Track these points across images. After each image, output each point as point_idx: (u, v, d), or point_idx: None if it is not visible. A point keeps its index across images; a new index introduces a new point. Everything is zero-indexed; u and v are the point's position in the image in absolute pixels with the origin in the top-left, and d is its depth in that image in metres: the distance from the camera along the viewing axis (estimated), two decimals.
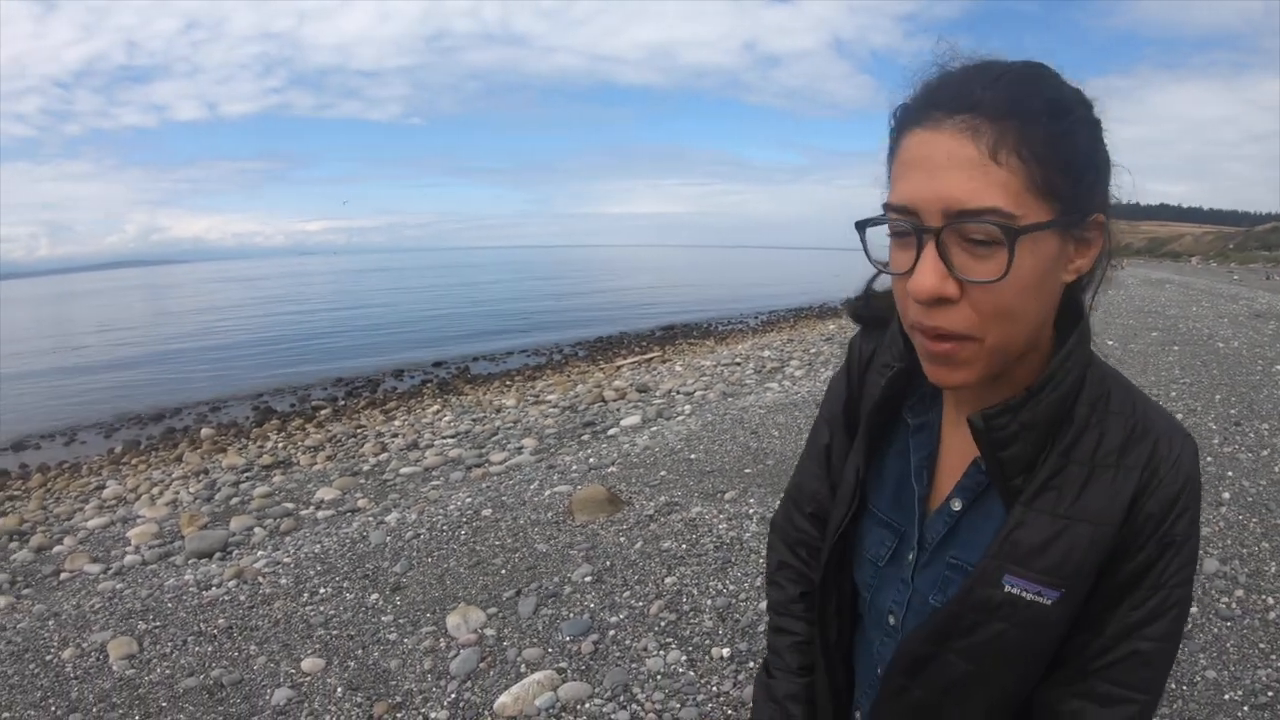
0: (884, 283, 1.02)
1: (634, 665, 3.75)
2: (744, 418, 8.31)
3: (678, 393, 11.73)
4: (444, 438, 10.54)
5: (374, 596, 4.71)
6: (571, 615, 4.25)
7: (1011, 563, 0.95)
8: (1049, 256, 0.87)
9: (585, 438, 9.33)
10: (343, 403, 16.33)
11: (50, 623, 4.91)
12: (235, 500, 8.56)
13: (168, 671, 4.09)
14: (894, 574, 1.13)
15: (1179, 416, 6.34)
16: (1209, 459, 6.10)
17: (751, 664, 3.70)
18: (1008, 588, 0.96)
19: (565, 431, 9.89)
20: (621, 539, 5.15)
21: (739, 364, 14.10)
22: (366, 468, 9.29)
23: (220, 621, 4.58)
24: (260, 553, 6.04)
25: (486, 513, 5.92)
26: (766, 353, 15.30)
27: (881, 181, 0.96)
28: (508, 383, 16.51)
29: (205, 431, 13.91)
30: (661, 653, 3.84)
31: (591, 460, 7.29)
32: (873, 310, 1.21)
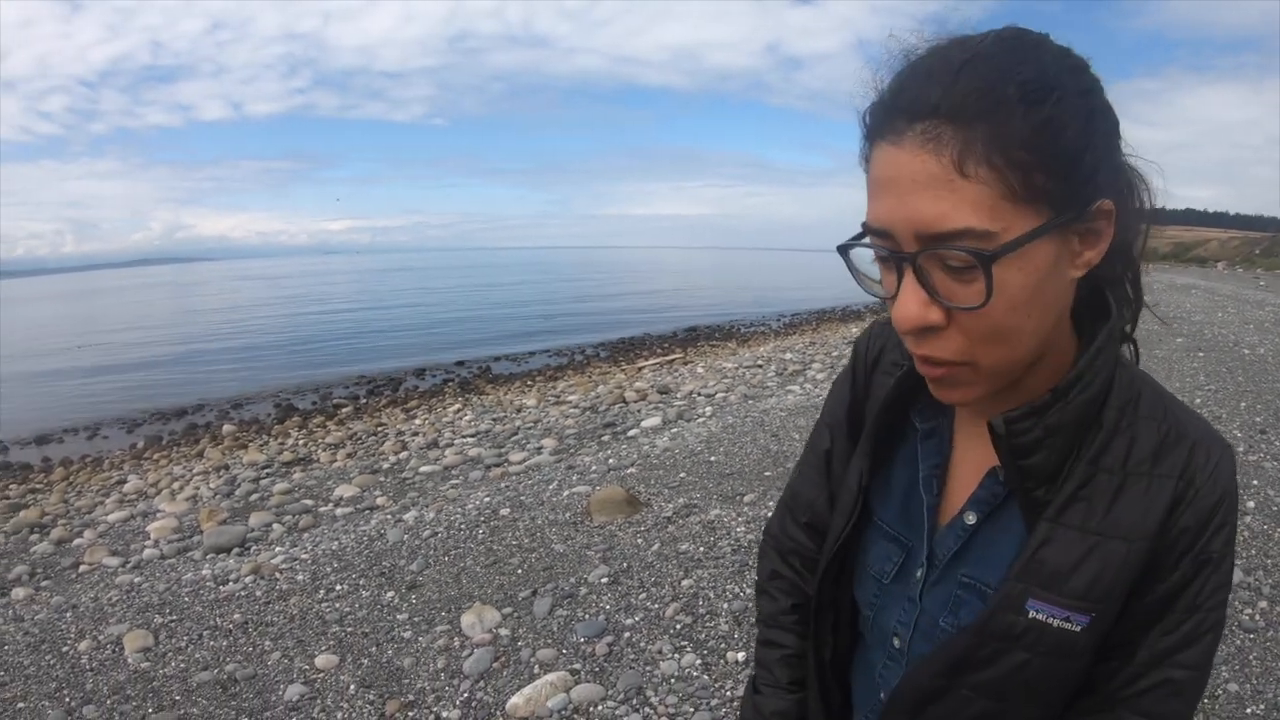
0: None
1: (648, 668, 3.72)
2: (765, 420, 8.27)
3: (699, 394, 11.69)
4: (464, 437, 10.53)
5: (390, 594, 4.70)
6: (587, 616, 4.23)
7: (1037, 585, 0.87)
8: (1045, 265, 0.78)
9: (605, 438, 9.30)
10: (364, 401, 16.37)
11: (68, 614, 4.93)
12: (255, 496, 8.57)
13: (182, 665, 4.10)
14: (900, 592, 1.04)
15: None
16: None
17: None
18: (1032, 613, 0.87)
19: (585, 432, 9.87)
20: (639, 540, 5.12)
21: (761, 366, 14.05)
22: (386, 466, 9.29)
23: (236, 616, 4.58)
24: (278, 549, 6.05)
25: (504, 512, 5.91)
26: (788, 355, 15.25)
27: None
28: (529, 383, 16.51)
29: (227, 428, 13.97)
30: (676, 656, 3.80)
31: (611, 461, 7.26)
32: None
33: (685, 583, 4.49)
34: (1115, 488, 0.86)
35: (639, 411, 10.82)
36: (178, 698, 3.79)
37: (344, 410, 14.95)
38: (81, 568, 6.65)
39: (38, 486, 10.98)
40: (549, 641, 4.02)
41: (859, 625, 1.15)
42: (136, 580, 5.66)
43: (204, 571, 5.56)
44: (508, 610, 4.35)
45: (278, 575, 5.16)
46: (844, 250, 0.85)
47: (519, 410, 12.31)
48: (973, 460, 0.99)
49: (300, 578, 5.07)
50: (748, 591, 4.33)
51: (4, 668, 4.24)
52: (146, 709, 3.71)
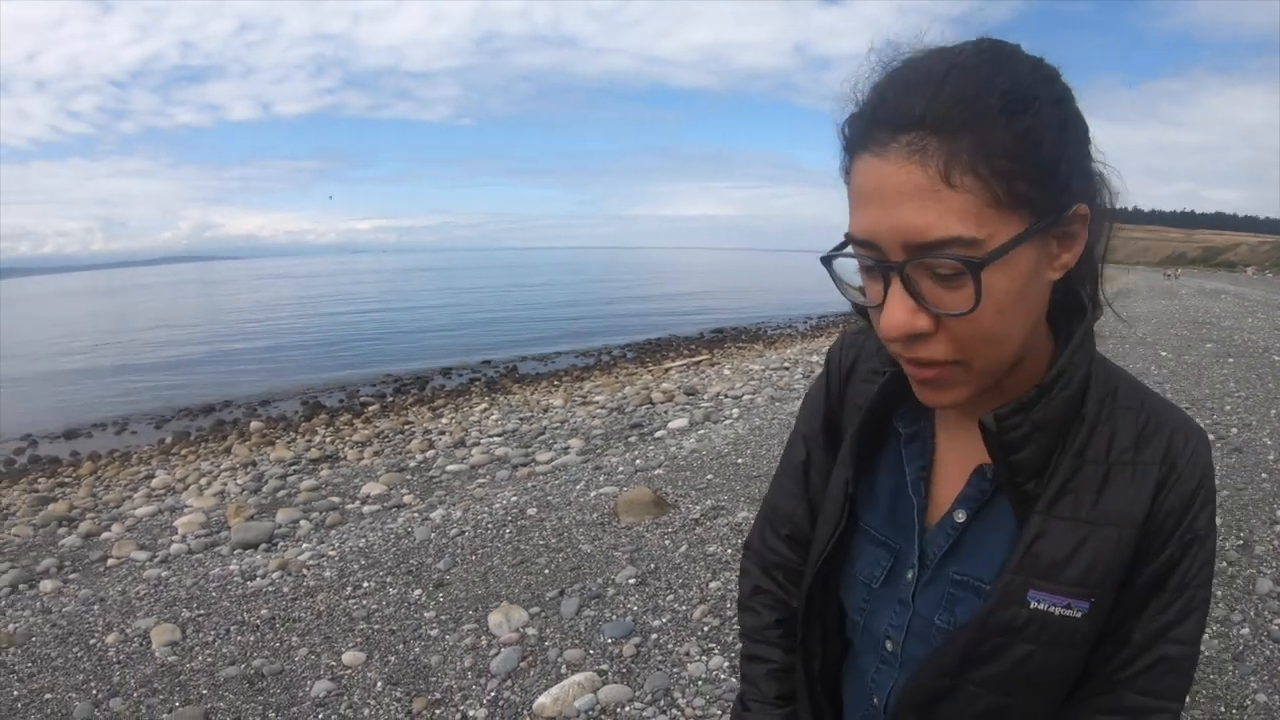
0: None
1: (675, 670, 3.69)
2: (792, 422, 8.22)
3: (725, 396, 11.66)
4: (491, 436, 10.55)
5: (417, 592, 4.69)
6: (614, 617, 4.20)
7: (1036, 577, 0.89)
8: (1027, 268, 0.81)
9: (632, 439, 9.29)
10: (391, 399, 16.44)
11: (95, 607, 4.95)
12: (282, 493, 8.61)
13: (209, 659, 4.09)
14: (890, 595, 1.05)
15: (1233, 431, 6.13)
16: (1264, 475, 5.92)
17: None
18: (1034, 604, 0.90)
19: (612, 433, 9.86)
20: (666, 542, 5.09)
21: (788, 368, 14.01)
22: (413, 464, 9.31)
23: (263, 612, 4.58)
24: (305, 545, 6.06)
25: (531, 512, 5.89)
26: (815, 357, 15.20)
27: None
28: (555, 383, 16.54)
29: (254, 425, 14.05)
30: (704, 658, 3.77)
31: (638, 462, 7.24)
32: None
33: (713, 585, 4.45)
34: (1102, 477, 0.90)
35: (666, 413, 10.81)
36: (205, 691, 3.79)
37: (371, 408, 15.02)
38: (109, 561, 6.69)
39: (66, 480, 11.08)
40: (576, 642, 4.00)
41: (847, 632, 1.16)
42: (164, 574, 5.68)
43: (231, 567, 5.57)
44: (535, 610, 4.33)
45: (305, 571, 5.16)
46: (827, 261, 0.87)
47: (546, 410, 12.32)
48: (956, 461, 1.01)
49: (328, 574, 5.07)
50: None
51: (32, 659, 4.25)
52: (173, 702, 3.71)
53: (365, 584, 4.87)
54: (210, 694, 3.76)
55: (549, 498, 6.27)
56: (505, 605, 4.36)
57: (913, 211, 0.76)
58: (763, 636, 1.27)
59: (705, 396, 11.90)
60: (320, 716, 3.53)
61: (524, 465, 8.53)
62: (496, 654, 3.92)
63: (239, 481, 9.45)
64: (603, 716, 3.39)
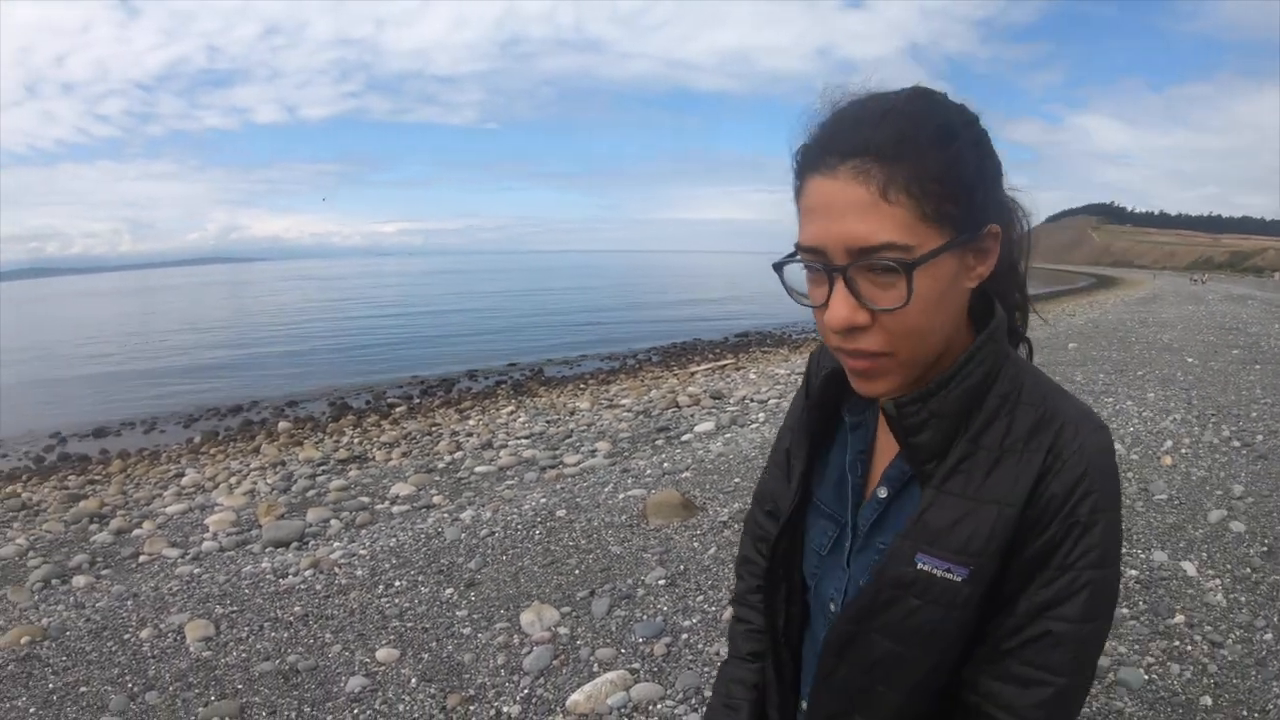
0: None
1: (707, 669, 3.68)
2: None
3: (751, 400, 11.64)
4: (518, 438, 10.57)
5: (449, 591, 4.71)
6: (645, 617, 4.20)
7: (923, 542, 1.02)
8: (948, 275, 0.96)
9: (659, 442, 9.29)
10: (418, 401, 16.50)
11: (129, 603, 4.99)
12: (311, 492, 8.66)
13: (244, 655, 4.13)
14: (835, 562, 1.20)
15: (1259, 438, 6.06)
16: None
17: None
18: (920, 565, 1.02)
19: (639, 436, 9.87)
20: (695, 544, 5.10)
21: None
22: (441, 465, 9.34)
23: (296, 609, 4.61)
24: (336, 544, 6.10)
25: (560, 513, 5.91)
26: None
27: None
28: (581, 386, 16.55)
29: (282, 425, 14.13)
30: None
31: (665, 465, 7.25)
32: None
33: None
34: (992, 462, 1.01)
35: (692, 416, 10.81)
36: (240, 686, 3.82)
37: (398, 410, 15.07)
38: (141, 558, 6.74)
39: (96, 478, 11.19)
40: (608, 641, 4.00)
41: (808, 599, 1.30)
42: (196, 571, 5.72)
43: (263, 564, 5.61)
44: (566, 609, 4.35)
45: (337, 570, 5.19)
46: (778, 267, 1.04)
47: (572, 413, 12.34)
48: (889, 446, 1.15)
49: (359, 573, 5.10)
50: None
51: (66, 653, 4.29)
52: (209, 696, 3.74)
53: (397, 583, 4.90)
54: (245, 689, 3.79)
55: (578, 500, 6.29)
56: (537, 605, 4.38)
57: (856, 221, 0.91)
58: (745, 600, 1.48)
59: (731, 400, 11.89)
60: (355, 711, 3.55)
61: (552, 467, 8.55)
62: (529, 652, 3.93)
63: (268, 481, 9.51)
64: (635, 714, 3.40)
